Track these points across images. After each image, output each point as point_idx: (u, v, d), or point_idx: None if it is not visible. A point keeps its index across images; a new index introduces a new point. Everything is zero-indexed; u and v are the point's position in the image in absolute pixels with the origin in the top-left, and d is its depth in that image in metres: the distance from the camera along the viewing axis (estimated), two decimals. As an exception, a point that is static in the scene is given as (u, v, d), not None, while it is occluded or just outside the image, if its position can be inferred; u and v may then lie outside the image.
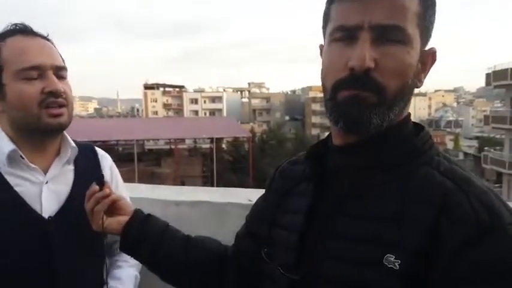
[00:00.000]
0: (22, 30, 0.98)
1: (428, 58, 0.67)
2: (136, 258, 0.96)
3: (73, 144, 1.05)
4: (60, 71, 0.98)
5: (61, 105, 0.96)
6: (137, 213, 0.96)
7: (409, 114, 0.71)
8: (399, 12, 0.61)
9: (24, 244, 0.94)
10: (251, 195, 1.55)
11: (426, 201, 0.61)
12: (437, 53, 0.67)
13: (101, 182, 0.94)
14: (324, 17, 0.70)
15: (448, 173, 0.64)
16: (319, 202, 0.72)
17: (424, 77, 0.68)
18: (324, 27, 0.70)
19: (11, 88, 0.94)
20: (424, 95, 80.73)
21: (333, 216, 0.68)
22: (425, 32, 0.65)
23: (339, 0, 0.66)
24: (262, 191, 1.86)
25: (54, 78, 0.96)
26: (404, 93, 0.65)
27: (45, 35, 1.01)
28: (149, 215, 0.97)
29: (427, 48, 0.68)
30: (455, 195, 0.60)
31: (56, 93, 0.95)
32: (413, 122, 0.72)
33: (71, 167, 1.06)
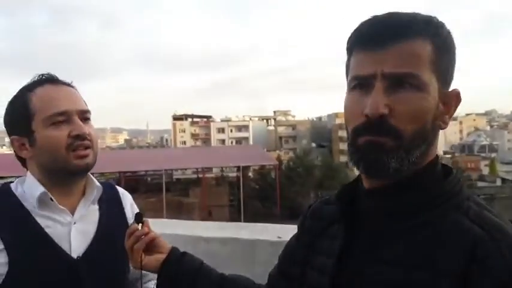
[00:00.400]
0: (49, 80, 1.04)
1: (451, 99, 0.68)
2: None
3: (98, 184, 1.09)
4: (84, 114, 1.03)
5: (87, 147, 1.01)
6: (173, 251, 0.98)
7: (437, 156, 0.70)
8: (411, 60, 0.64)
9: (56, 284, 0.97)
10: (280, 232, 1.55)
11: (456, 249, 0.60)
12: (460, 94, 0.68)
13: (140, 220, 0.97)
14: (345, 68, 0.75)
15: (477, 219, 0.63)
16: (350, 245, 0.72)
17: (449, 118, 0.68)
18: (346, 77, 0.74)
19: (40, 134, 0.99)
20: (454, 119, 78.68)
21: (363, 261, 0.68)
22: (444, 75, 0.66)
23: (356, 52, 0.70)
24: (291, 227, 1.86)
25: (80, 122, 1.00)
26: (424, 137, 0.65)
27: (70, 82, 1.07)
28: (185, 252, 1.00)
29: (450, 89, 0.69)
30: (485, 245, 0.59)
31: (82, 136, 0.99)
32: (442, 164, 0.71)
33: (96, 207, 1.09)
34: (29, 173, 1.04)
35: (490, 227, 0.61)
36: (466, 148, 60.92)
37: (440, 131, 0.70)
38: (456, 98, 0.69)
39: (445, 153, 55.00)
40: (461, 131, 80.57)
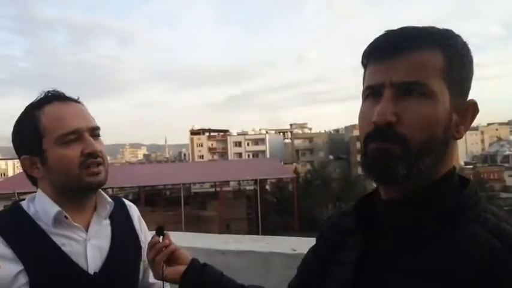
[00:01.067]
0: (57, 97, 1.02)
1: (467, 110, 0.68)
2: None
3: (109, 199, 1.09)
4: (94, 131, 1.03)
5: (99, 164, 1.01)
6: (194, 262, 1.00)
7: (454, 167, 0.70)
8: (419, 70, 0.65)
9: None
10: (295, 245, 1.57)
11: (472, 261, 0.60)
12: (477, 104, 0.69)
13: (161, 233, 0.99)
14: (362, 81, 0.77)
15: (495, 230, 0.62)
16: (368, 256, 0.72)
17: (465, 129, 0.68)
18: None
19: (52, 153, 0.98)
20: (476, 129, 76.69)
21: (382, 271, 0.68)
22: (457, 85, 0.67)
23: (369, 64, 0.73)
24: (305, 240, 1.87)
25: (91, 139, 1.00)
26: (433, 145, 0.66)
27: (77, 98, 1.06)
28: (205, 264, 1.01)
29: (467, 99, 0.69)
30: (502, 257, 0.59)
31: (94, 154, 1.00)
32: (459, 175, 0.71)
33: (108, 222, 1.10)
34: (40, 191, 1.03)
35: (508, 239, 0.61)
36: (488, 158, 59.24)
37: (460, 141, 0.72)
38: (473, 108, 0.69)
39: (466, 163, 53.60)
40: (483, 141, 78.37)
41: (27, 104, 1.04)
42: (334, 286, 0.76)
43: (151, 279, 1.18)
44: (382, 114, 0.65)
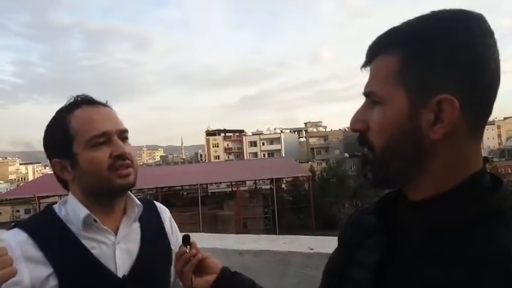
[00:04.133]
0: (86, 101, 1.04)
1: (440, 107, 0.62)
2: None
3: (138, 202, 1.09)
4: (123, 134, 1.04)
5: (128, 166, 1.02)
6: (224, 271, 0.98)
7: (484, 168, 0.66)
8: (374, 78, 0.67)
9: None
10: (312, 244, 1.57)
11: (504, 273, 0.55)
12: (453, 100, 0.60)
13: (188, 243, 0.98)
14: None
15: None
16: (388, 259, 0.69)
17: (443, 127, 0.62)
18: None
19: (82, 156, 0.99)
20: (492, 123, 74.32)
21: (402, 277, 0.65)
22: (420, 82, 0.63)
23: None
24: (322, 239, 1.88)
25: (120, 142, 1.01)
26: (396, 149, 0.65)
27: (105, 102, 1.08)
28: (236, 272, 1.00)
29: (438, 97, 0.62)
30: None
31: (123, 156, 1.00)
32: (492, 175, 0.67)
33: (137, 224, 1.10)
34: (71, 194, 1.04)
35: None
36: (506, 153, 57.61)
37: None
38: (448, 105, 0.61)
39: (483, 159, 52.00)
40: (499, 136, 76.21)
41: (58, 110, 1.06)
42: (351, 287, 0.73)
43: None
44: (351, 122, 0.70)
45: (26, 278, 0.92)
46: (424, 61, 0.63)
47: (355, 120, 0.69)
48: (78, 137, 0.99)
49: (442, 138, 0.62)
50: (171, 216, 1.23)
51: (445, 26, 0.62)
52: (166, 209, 1.24)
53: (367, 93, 0.68)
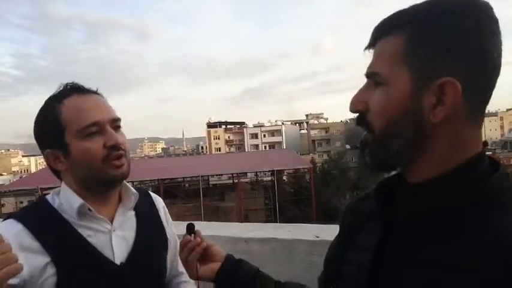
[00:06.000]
0: (76, 89, 1.02)
1: (443, 90, 0.62)
2: None
3: (134, 190, 1.09)
4: (115, 123, 1.03)
5: (121, 156, 1.01)
6: (228, 259, 0.99)
7: (483, 151, 0.67)
8: (378, 58, 0.67)
9: None
10: (318, 232, 1.58)
11: (498, 255, 0.56)
12: (456, 83, 0.60)
13: (192, 231, 0.97)
14: None
15: None
16: (388, 240, 0.70)
17: (445, 110, 0.62)
18: None
19: (74, 146, 0.98)
20: (495, 115, 74.01)
21: (401, 258, 0.65)
22: (423, 64, 0.63)
23: None
24: (328, 227, 1.88)
25: (113, 131, 1.00)
26: (395, 131, 0.65)
27: (96, 90, 1.05)
28: (240, 260, 1.00)
29: (442, 80, 0.62)
30: None
31: (116, 146, 0.99)
32: (491, 159, 0.67)
33: (132, 213, 1.10)
34: (64, 184, 1.04)
35: None
36: (508, 144, 57.45)
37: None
38: (450, 88, 0.61)
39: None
40: (502, 127, 75.78)
41: (48, 99, 1.03)
42: (351, 270, 0.73)
43: (180, 267, 1.19)
44: (351, 102, 0.70)
45: (25, 270, 0.89)
46: (430, 43, 0.62)
47: (356, 100, 0.69)
48: (69, 127, 0.98)
49: (442, 121, 0.62)
50: (165, 206, 1.25)
51: (453, 10, 0.62)
52: (160, 198, 1.25)
53: (370, 74, 0.68)
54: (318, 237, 1.54)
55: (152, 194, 1.25)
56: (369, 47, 0.69)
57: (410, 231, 0.66)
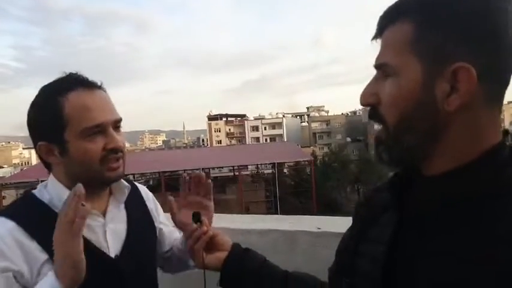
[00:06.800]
0: (82, 83, 0.97)
1: (456, 76, 0.59)
2: None
3: (126, 183, 1.08)
4: (117, 123, 1.01)
5: (119, 159, 1.00)
6: (235, 248, 0.97)
7: (503, 141, 0.63)
8: (386, 48, 0.65)
9: (100, 285, 0.97)
10: (319, 223, 1.56)
11: None
12: (470, 68, 0.57)
13: (198, 219, 0.96)
14: None
15: None
16: (402, 233, 0.67)
17: (460, 98, 0.59)
18: None
19: (74, 145, 0.95)
20: None
21: (415, 250, 0.64)
22: (434, 51, 0.60)
23: None
24: (329, 219, 1.87)
25: (115, 134, 0.98)
26: (409, 124, 0.62)
27: (100, 83, 1.01)
28: (247, 249, 0.99)
29: (455, 65, 0.59)
30: None
31: (116, 150, 0.98)
32: (511, 147, 0.64)
33: (122, 205, 1.10)
34: (53, 177, 1.01)
35: None
36: (509, 137, 57.34)
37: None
38: (465, 73, 0.58)
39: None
40: (503, 120, 75.50)
41: (48, 88, 0.98)
42: (365, 263, 0.72)
43: (168, 245, 1.23)
44: (362, 95, 0.67)
45: (24, 266, 0.89)
46: (439, 28, 0.60)
47: (366, 93, 0.67)
48: (71, 124, 0.94)
49: (458, 110, 0.59)
50: (152, 195, 1.25)
51: None
52: (147, 189, 1.26)
53: (378, 65, 0.66)
54: (319, 228, 1.52)
55: (139, 185, 1.24)
56: (375, 37, 0.67)
57: (424, 223, 0.64)
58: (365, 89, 0.67)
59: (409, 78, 0.62)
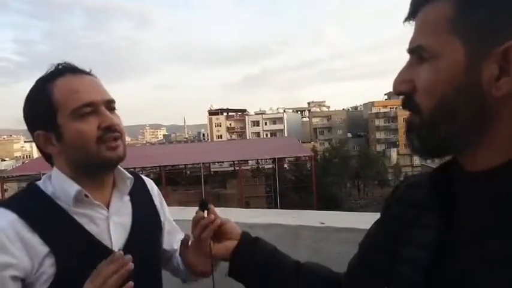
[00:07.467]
0: (70, 70, 0.98)
1: (509, 57, 0.53)
2: (245, 284, 0.92)
3: (129, 175, 1.06)
4: (110, 104, 0.99)
5: (117, 138, 0.97)
6: (244, 237, 0.93)
7: None
8: (422, 29, 0.59)
9: None
10: (323, 218, 1.57)
11: None
12: None
13: (205, 208, 0.93)
14: None
15: None
16: (447, 236, 0.62)
17: (511, 80, 0.53)
18: None
19: (67, 128, 0.94)
20: None
21: (465, 256, 0.58)
22: (477, 29, 0.54)
23: None
24: (333, 214, 1.88)
25: (108, 112, 0.96)
26: (450, 110, 0.56)
27: (89, 71, 1.01)
28: (257, 238, 0.94)
29: (505, 45, 0.53)
30: None
31: (112, 128, 0.96)
32: None
33: (127, 197, 1.07)
34: (56, 169, 1.00)
35: None
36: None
37: None
38: None
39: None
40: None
41: (38, 79, 0.98)
42: (406, 269, 0.67)
43: (176, 245, 1.19)
44: (394, 83, 0.62)
45: (25, 260, 0.88)
46: (484, 4, 0.54)
47: (400, 80, 0.61)
48: (62, 108, 0.94)
49: (508, 95, 0.53)
50: (158, 189, 1.23)
51: None
52: (152, 182, 1.23)
53: (413, 49, 0.60)
54: (323, 223, 1.54)
55: (144, 177, 1.21)
56: (408, 17, 0.61)
57: (474, 225, 0.58)
58: (398, 75, 0.61)
59: (449, 61, 0.56)
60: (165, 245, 1.21)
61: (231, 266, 0.91)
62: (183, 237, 1.17)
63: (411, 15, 0.61)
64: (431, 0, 0.58)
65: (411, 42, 0.61)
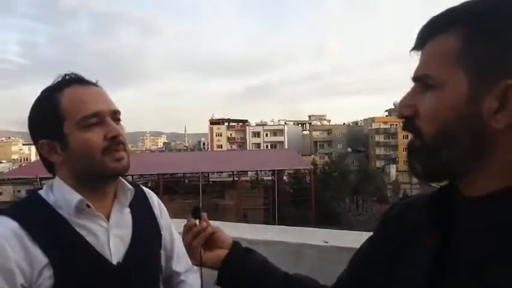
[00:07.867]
0: (77, 80, 1.00)
1: (505, 94, 0.56)
2: None
3: (130, 186, 1.06)
4: (116, 115, 1.00)
5: (122, 149, 0.98)
6: (236, 246, 0.93)
7: None
8: (429, 59, 0.62)
9: None
10: (327, 237, 1.53)
11: None
12: None
13: (198, 215, 0.92)
14: None
15: None
16: (445, 257, 0.63)
17: (509, 116, 0.56)
18: None
19: (74, 137, 0.95)
20: None
21: (464, 279, 0.59)
22: (482, 64, 0.57)
23: None
24: (337, 232, 1.84)
25: (114, 123, 0.98)
26: (450, 138, 0.59)
27: (95, 82, 1.03)
28: (248, 249, 0.94)
29: (506, 82, 0.56)
30: None
31: (117, 139, 0.97)
32: None
33: (127, 209, 1.07)
34: (58, 178, 1.00)
35: None
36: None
37: None
38: None
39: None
40: None
41: (46, 89, 1.00)
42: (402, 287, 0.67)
43: (175, 266, 1.18)
44: (399, 107, 0.65)
45: (27, 269, 0.87)
46: (489, 41, 0.57)
47: (404, 105, 0.64)
48: (69, 117, 0.95)
49: (505, 128, 0.56)
50: (159, 200, 1.22)
51: (501, 8, 0.57)
52: (153, 193, 1.22)
53: (419, 77, 0.63)
54: (326, 242, 1.50)
55: (145, 188, 1.21)
56: (415, 48, 0.64)
57: (475, 248, 0.59)
58: (402, 100, 0.65)
59: (453, 92, 0.59)
60: (165, 265, 1.17)
61: (220, 274, 0.90)
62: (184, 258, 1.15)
63: (419, 46, 0.64)
64: (440, 32, 0.60)
65: (417, 71, 0.63)
